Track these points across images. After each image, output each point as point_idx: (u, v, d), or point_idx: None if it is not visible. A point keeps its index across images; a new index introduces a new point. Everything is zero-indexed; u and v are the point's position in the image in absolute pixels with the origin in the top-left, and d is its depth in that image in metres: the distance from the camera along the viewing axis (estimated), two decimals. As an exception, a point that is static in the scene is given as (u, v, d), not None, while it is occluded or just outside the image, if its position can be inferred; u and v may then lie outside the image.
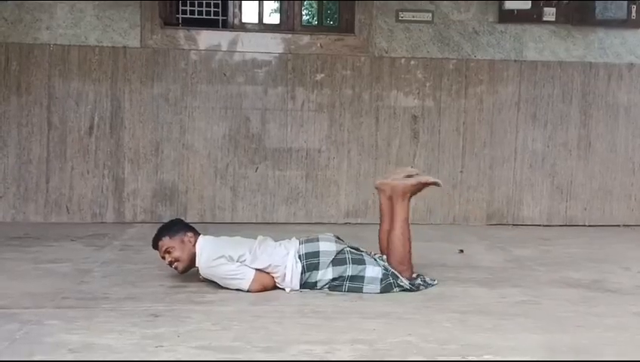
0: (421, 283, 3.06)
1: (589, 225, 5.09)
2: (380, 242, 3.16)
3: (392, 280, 2.96)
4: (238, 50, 4.87)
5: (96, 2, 4.69)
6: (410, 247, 3.02)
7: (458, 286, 3.14)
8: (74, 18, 4.70)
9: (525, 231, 4.83)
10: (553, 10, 4.95)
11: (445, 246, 4.08)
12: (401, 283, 2.96)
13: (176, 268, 3.01)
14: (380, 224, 3.21)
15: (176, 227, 3.06)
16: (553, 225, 5.07)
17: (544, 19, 4.96)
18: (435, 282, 3.14)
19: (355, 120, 4.96)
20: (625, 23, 5.00)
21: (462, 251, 3.99)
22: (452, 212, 5.05)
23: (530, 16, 4.95)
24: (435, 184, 3.19)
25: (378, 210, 4.89)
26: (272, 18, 9.71)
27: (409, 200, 3.11)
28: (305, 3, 8.04)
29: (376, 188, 3.21)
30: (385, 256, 3.07)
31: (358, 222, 4.96)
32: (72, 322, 2.48)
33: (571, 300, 2.94)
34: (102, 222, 4.74)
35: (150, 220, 4.73)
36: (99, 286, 3.02)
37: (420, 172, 3.28)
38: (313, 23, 8.16)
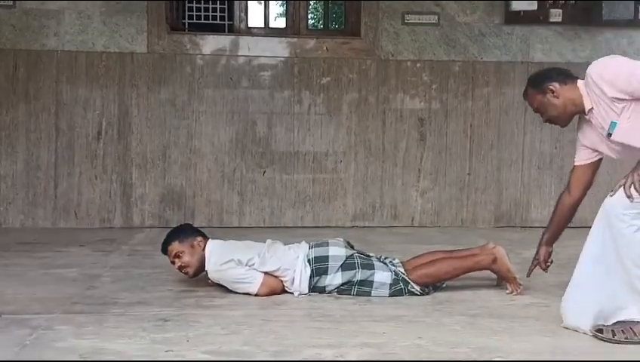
0: (430, 287, 3.05)
1: (598, 227, 5.06)
2: (433, 252, 3.15)
3: (402, 286, 2.95)
4: (244, 54, 4.88)
5: (104, 8, 4.72)
6: (443, 279, 3.04)
7: (467, 289, 3.12)
8: (81, 24, 4.72)
9: (534, 234, 4.76)
10: (560, 11, 4.94)
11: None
12: (412, 289, 2.96)
13: (186, 272, 3.01)
14: (455, 251, 3.17)
15: (185, 232, 3.07)
16: (562, 227, 5.04)
17: (551, 20, 4.94)
18: (444, 285, 3.13)
19: (361, 123, 4.97)
20: (632, 23, 4.98)
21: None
22: (460, 214, 5.04)
23: (536, 18, 4.94)
24: (507, 280, 3.06)
25: (385, 213, 4.97)
26: (278, 22, 9.74)
27: (486, 267, 3.05)
28: (310, 7, 8.05)
29: (492, 247, 3.11)
30: (398, 261, 3.05)
31: (366, 225, 4.96)
32: (81, 327, 2.49)
33: (581, 302, 2.92)
34: (110, 227, 4.76)
35: (158, 225, 4.75)
36: (108, 291, 3.03)
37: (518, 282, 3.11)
38: (319, 27, 8.17)
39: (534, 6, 4.87)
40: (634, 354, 2.30)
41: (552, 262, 3.05)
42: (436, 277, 3.01)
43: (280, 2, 9.37)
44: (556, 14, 4.94)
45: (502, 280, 3.10)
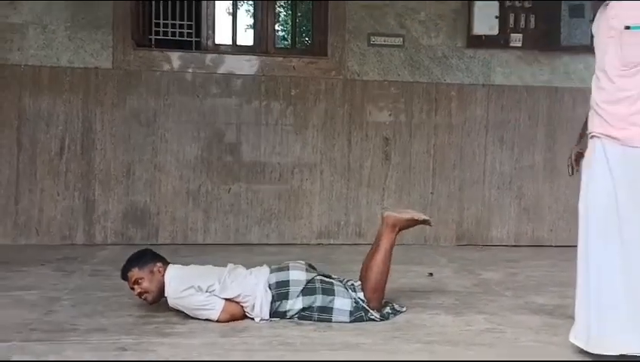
0: (390, 311, 3.11)
1: (556, 246, 5.21)
2: (362, 266, 3.18)
3: (362, 314, 3.00)
4: (211, 71, 4.89)
5: (69, 24, 4.68)
6: (386, 278, 3.06)
7: (425, 313, 3.19)
8: (45, 39, 4.67)
9: (493, 252, 4.93)
10: (520, 36, 5.08)
11: (415, 269, 4.15)
12: (372, 317, 3.00)
13: (145, 299, 3.01)
14: (370, 251, 3.23)
15: (145, 258, 3.05)
16: (521, 246, 5.18)
17: (511, 44, 5.09)
18: (404, 309, 3.19)
19: (327, 142, 5.02)
20: (589, 48, 5.13)
21: (431, 274, 4.06)
22: (423, 233, 5.11)
23: (497, 42, 5.07)
24: (425, 222, 3.24)
25: (350, 231, 5.03)
26: (246, 39, 9.73)
27: (397, 233, 3.15)
28: (280, 19, 8.09)
29: (382, 217, 3.21)
30: (359, 284, 3.10)
31: (331, 242, 5.01)
32: (41, 357, 2.47)
33: (534, 328, 3.01)
34: (72, 244, 4.71)
35: (121, 242, 4.72)
36: (67, 316, 3.00)
37: (424, 216, 3.29)
38: (288, 40, 8.22)
39: (495, 31, 5.00)
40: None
41: None
42: (378, 285, 3.02)
43: (249, 14, 9.39)
44: (516, 39, 5.08)
45: (418, 224, 3.25)
